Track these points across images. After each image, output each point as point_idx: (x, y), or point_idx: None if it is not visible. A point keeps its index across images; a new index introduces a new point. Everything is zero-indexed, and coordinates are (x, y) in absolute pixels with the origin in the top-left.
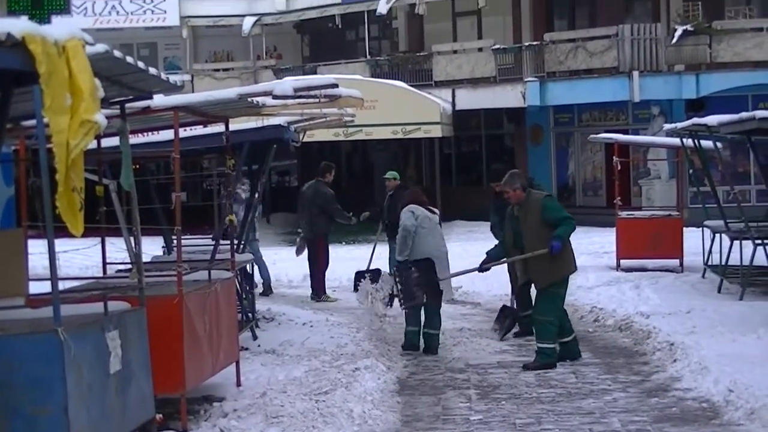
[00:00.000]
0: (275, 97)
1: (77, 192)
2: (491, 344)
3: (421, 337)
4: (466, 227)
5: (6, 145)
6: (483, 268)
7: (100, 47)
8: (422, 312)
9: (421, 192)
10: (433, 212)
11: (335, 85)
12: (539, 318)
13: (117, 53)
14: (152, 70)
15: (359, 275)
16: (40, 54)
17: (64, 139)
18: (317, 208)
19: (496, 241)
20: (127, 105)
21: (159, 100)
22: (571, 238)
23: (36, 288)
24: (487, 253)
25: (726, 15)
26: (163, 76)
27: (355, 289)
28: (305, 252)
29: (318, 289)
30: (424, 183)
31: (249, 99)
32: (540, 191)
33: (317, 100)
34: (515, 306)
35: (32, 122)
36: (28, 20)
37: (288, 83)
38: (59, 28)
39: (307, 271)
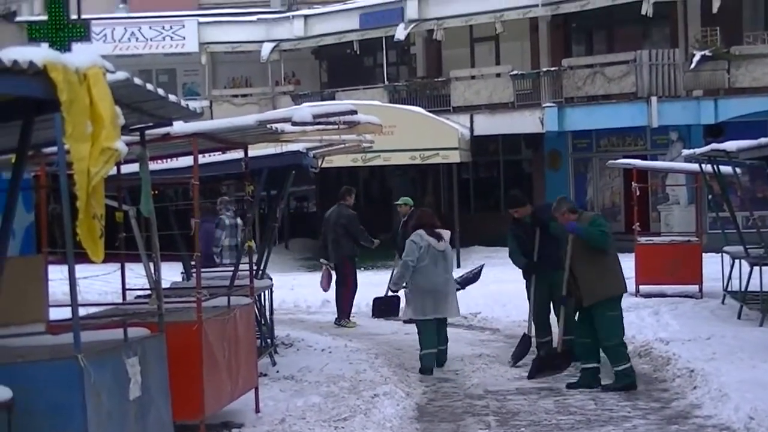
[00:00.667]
0: (294, 123)
1: (98, 219)
2: (510, 370)
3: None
4: (484, 252)
5: (26, 171)
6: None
7: (121, 75)
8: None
9: (431, 214)
10: (442, 237)
11: (354, 112)
12: (607, 344)
13: (137, 80)
14: (172, 97)
15: (378, 302)
16: (62, 82)
17: (85, 167)
18: (342, 228)
19: (515, 268)
20: (147, 132)
21: (178, 126)
22: None
23: (55, 314)
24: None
25: (744, 40)
26: (183, 103)
27: (374, 314)
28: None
29: (344, 312)
30: (442, 208)
31: (268, 125)
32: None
33: (336, 126)
34: (531, 332)
35: (53, 149)
36: (49, 48)
37: (307, 110)
38: (80, 56)
39: (326, 296)
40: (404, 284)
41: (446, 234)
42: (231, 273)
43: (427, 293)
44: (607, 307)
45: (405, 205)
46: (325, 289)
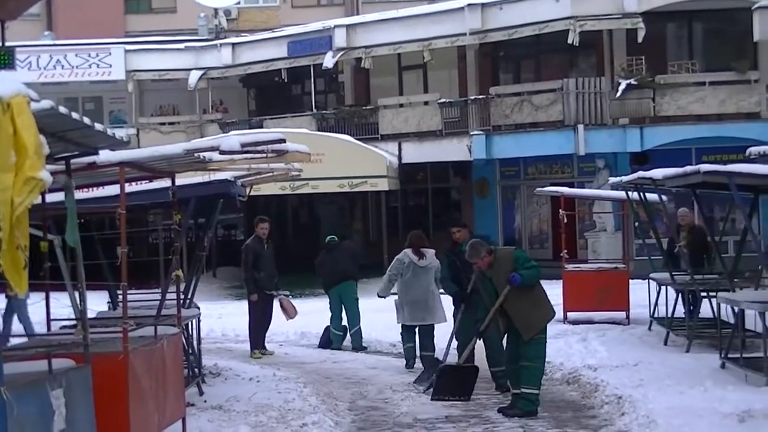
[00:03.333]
0: (222, 152)
1: (21, 250)
2: None
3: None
4: None
5: None
6: (480, 332)
7: (46, 103)
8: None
9: (420, 235)
10: (424, 255)
11: (283, 140)
12: (528, 364)
13: (63, 109)
14: (98, 126)
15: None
16: None
17: (8, 197)
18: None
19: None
20: (73, 160)
21: (105, 155)
22: None
23: None
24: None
25: (669, 69)
26: (110, 131)
27: (321, 345)
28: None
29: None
30: (371, 236)
31: (195, 154)
32: (507, 246)
33: (264, 155)
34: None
35: None
36: None
37: (235, 138)
38: (3, 84)
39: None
40: (388, 294)
41: (429, 252)
42: (158, 302)
43: (409, 303)
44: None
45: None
46: (291, 317)
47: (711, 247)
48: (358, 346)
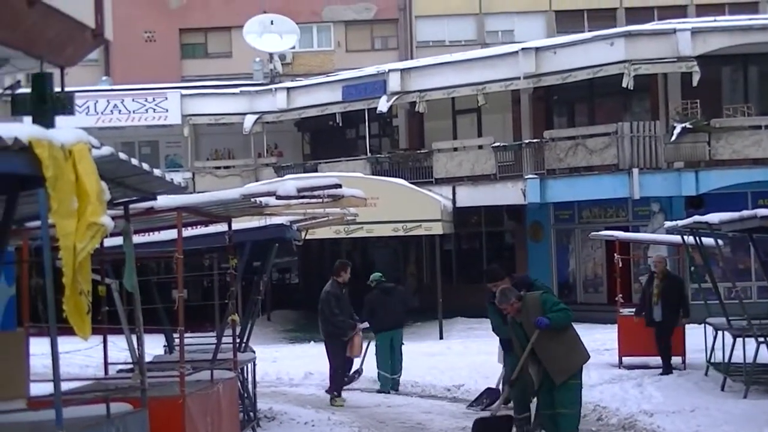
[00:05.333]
0: (278, 197)
1: (84, 295)
2: None
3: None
4: (467, 324)
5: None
6: (511, 381)
7: (106, 150)
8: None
9: None
10: None
11: (339, 185)
12: (564, 411)
13: (122, 155)
14: (156, 172)
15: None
16: (47, 158)
17: (71, 243)
18: (319, 307)
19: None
20: (131, 206)
21: (162, 200)
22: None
23: (36, 389)
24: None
25: (724, 113)
26: (167, 177)
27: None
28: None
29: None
30: (425, 280)
31: (252, 199)
32: (535, 290)
33: (320, 199)
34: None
35: (36, 223)
36: (33, 123)
37: (291, 184)
38: (65, 132)
39: (309, 369)
40: None
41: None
42: (212, 345)
43: None
44: (571, 376)
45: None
46: (356, 354)
47: (686, 296)
48: (395, 389)
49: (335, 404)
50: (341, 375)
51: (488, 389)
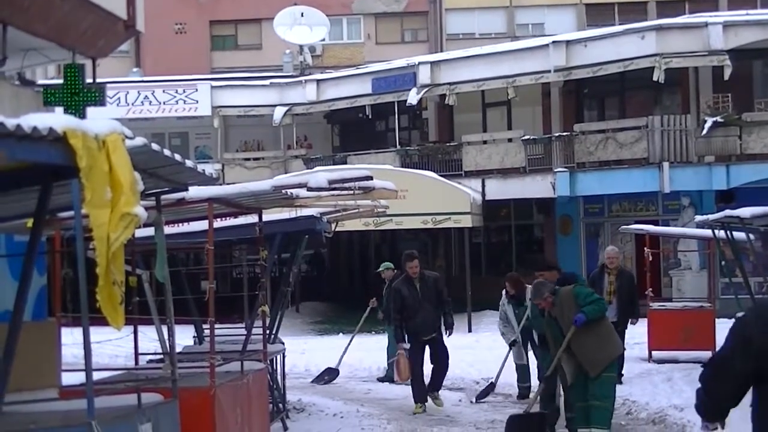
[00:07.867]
0: (309, 189)
1: (118, 285)
2: None
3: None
4: (495, 317)
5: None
6: (546, 377)
7: (139, 141)
8: None
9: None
10: None
11: (369, 178)
12: (597, 403)
13: (155, 146)
14: (189, 163)
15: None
16: (81, 149)
17: (104, 233)
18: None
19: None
20: (163, 197)
21: (194, 191)
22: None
23: (67, 378)
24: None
25: (755, 107)
26: (199, 168)
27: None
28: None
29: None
30: (453, 272)
31: (283, 191)
32: (568, 285)
33: (351, 192)
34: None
35: (68, 213)
36: (65, 113)
37: (322, 175)
38: (99, 122)
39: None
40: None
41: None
42: (242, 336)
43: None
44: (605, 368)
45: (387, 269)
46: (405, 379)
47: (637, 294)
48: None
49: (414, 410)
50: (418, 380)
51: (491, 384)
